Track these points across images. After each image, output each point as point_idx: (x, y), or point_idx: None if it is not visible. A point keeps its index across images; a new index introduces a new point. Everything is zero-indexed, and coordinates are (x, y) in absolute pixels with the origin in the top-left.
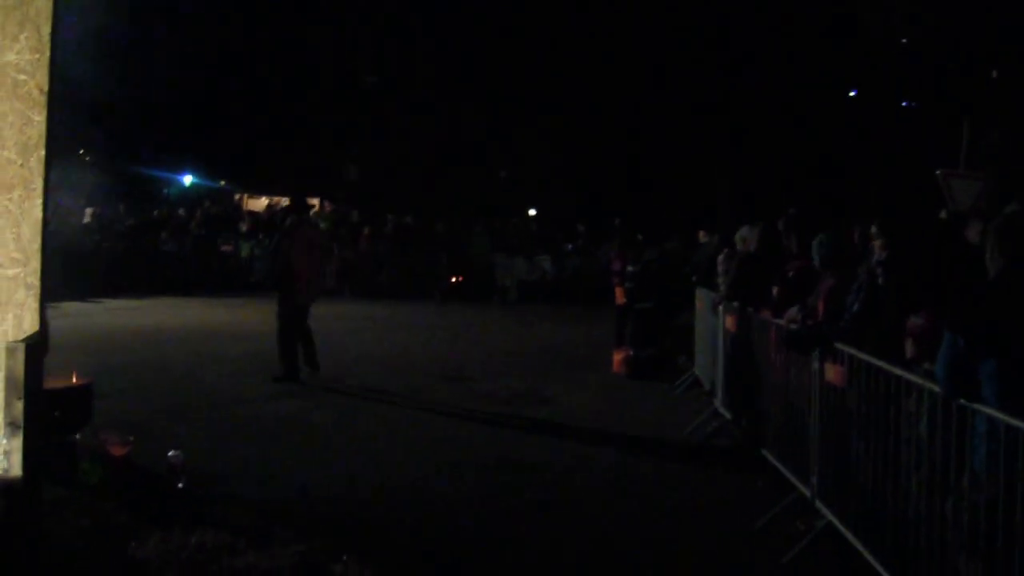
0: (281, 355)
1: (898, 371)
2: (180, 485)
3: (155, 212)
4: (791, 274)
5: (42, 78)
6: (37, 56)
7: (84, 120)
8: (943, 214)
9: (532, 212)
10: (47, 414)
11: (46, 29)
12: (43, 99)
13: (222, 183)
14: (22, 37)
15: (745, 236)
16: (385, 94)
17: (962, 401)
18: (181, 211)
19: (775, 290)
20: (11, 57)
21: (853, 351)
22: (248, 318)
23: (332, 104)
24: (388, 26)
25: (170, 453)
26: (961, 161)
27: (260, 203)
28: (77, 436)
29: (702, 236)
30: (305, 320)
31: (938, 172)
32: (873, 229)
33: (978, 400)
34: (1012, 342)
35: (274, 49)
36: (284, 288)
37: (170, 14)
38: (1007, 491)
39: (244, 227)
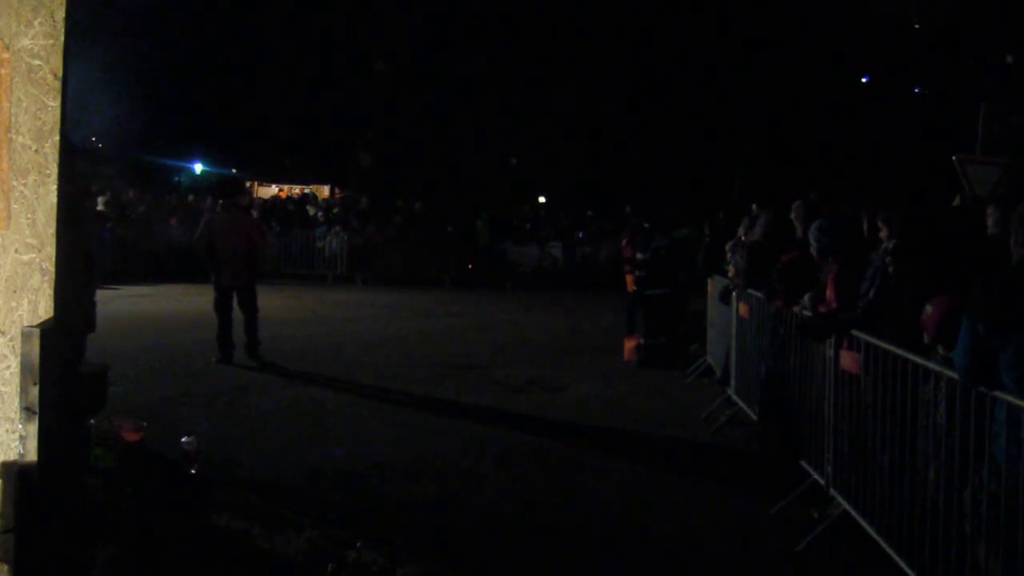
0: (217, 337)
1: (915, 358)
2: (193, 471)
3: (167, 199)
4: (784, 263)
5: (56, 63)
6: (51, 41)
7: (97, 108)
8: (957, 200)
9: (542, 199)
10: (67, 398)
11: (60, 14)
12: (57, 84)
13: (233, 171)
14: (36, 22)
15: (751, 225)
16: (395, 81)
17: (982, 388)
18: (191, 197)
19: (776, 282)
20: (25, 42)
21: (869, 338)
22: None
23: (342, 91)
24: (398, 12)
25: (183, 439)
26: (978, 147)
27: (270, 191)
28: (91, 422)
29: (707, 228)
30: (226, 305)
31: (954, 158)
32: (880, 218)
33: (998, 387)
34: None
35: (285, 36)
36: (212, 273)
37: (181, 2)
38: None
39: (255, 214)
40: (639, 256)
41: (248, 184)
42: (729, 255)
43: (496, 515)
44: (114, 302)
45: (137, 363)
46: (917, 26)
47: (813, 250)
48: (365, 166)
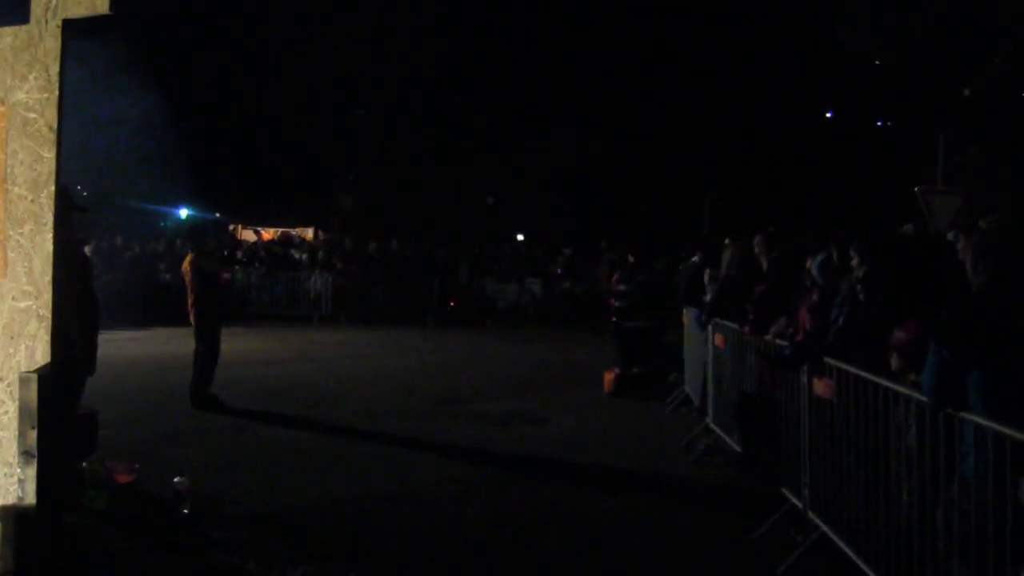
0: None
1: (886, 382)
2: (186, 511)
3: (151, 245)
4: (758, 296)
5: (51, 116)
6: (46, 95)
7: (83, 156)
8: (907, 228)
9: (520, 237)
10: (61, 441)
11: (55, 69)
12: (52, 136)
13: (217, 215)
14: (31, 77)
15: (727, 256)
16: (376, 125)
17: (949, 410)
18: (179, 242)
19: (750, 313)
20: (21, 96)
21: (841, 364)
22: (245, 347)
23: (322, 136)
24: (376, 58)
25: (175, 479)
26: (938, 177)
27: (250, 235)
28: (84, 464)
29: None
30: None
31: (916, 189)
32: (852, 247)
33: (965, 409)
34: (998, 352)
35: (265, 83)
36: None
37: (164, 48)
38: (996, 497)
39: (241, 257)
40: (621, 288)
41: (232, 228)
42: (707, 285)
43: (485, 545)
44: (103, 346)
45: (128, 405)
46: (878, 63)
47: (813, 285)
48: (347, 208)
